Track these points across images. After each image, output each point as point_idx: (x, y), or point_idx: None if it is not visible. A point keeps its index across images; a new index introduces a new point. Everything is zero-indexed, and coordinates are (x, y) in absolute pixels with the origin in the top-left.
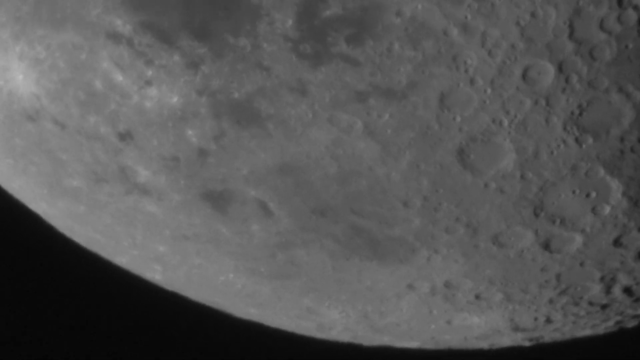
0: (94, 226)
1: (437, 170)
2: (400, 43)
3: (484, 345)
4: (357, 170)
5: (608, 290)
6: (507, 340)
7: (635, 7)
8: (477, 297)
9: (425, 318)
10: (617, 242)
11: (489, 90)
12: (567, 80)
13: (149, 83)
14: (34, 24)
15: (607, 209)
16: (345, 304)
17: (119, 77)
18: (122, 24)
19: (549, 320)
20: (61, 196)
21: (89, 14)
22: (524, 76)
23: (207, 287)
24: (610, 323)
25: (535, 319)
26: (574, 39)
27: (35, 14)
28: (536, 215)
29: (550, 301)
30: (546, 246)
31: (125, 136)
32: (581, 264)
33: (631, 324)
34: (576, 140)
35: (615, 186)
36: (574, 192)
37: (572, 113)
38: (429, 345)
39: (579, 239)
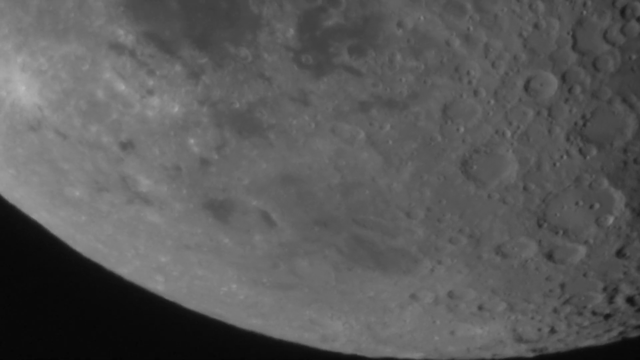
0: (95, 236)
1: (440, 181)
2: (402, 54)
3: (487, 356)
4: (359, 181)
5: (611, 300)
6: (510, 351)
7: (638, 19)
8: (480, 307)
9: (428, 329)
10: (620, 253)
11: (492, 102)
12: (570, 91)
13: (150, 93)
14: (37, 35)
15: (611, 220)
16: (348, 315)
17: (121, 87)
18: (125, 34)
19: (553, 331)
20: (63, 206)
21: (91, 25)
22: (527, 87)
23: (209, 297)
24: (614, 333)
25: (539, 329)
26: (577, 49)
27: (37, 25)
28: (539, 226)
29: (554, 311)
30: (550, 257)
31: (126, 145)
32: (584, 275)
33: (634, 334)
34: (580, 151)
35: (619, 197)
36: (577, 203)
37: (576, 124)
38: (433, 356)
39: (582, 250)
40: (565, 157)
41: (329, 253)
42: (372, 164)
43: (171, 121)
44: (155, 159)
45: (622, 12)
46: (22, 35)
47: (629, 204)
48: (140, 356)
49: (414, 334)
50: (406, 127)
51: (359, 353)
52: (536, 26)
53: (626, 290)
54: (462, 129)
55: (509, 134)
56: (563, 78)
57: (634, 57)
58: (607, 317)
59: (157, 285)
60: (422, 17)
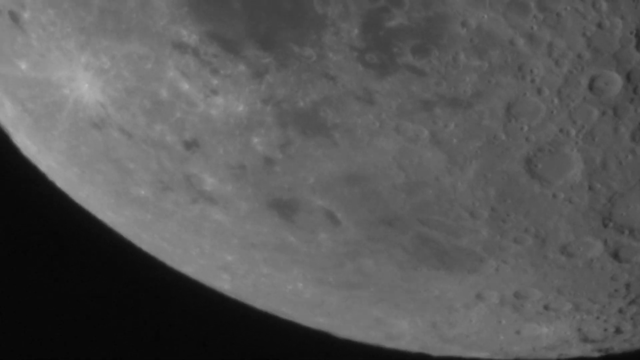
0: (161, 234)
1: (504, 180)
2: (465, 53)
3: (553, 355)
4: (423, 180)
5: None
6: (576, 351)
7: None
8: (546, 307)
9: (494, 328)
10: None
11: (555, 100)
12: (635, 91)
13: (214, 92)
14: (99, 34)
15: None
16: (413, 314)
17: (185, 86)
18: (188, 34)
19: (618, 331)
20: (128, 205)
21: (155, 25)
22: (591, 86)
23: (275, 296)
24: None
25: (605, 329)
26: None
27: (99, 25)
28: (605, 225)
29: (620, 311)
30: (615, 256)
31: (191, 145)
32: None
33: None
34: None
35: None
36: None
37: None
38: (499, 355)
39: None
40: (630, 156)
41: (395, 252)
42: (436, 163)
43: (235, 120)
44: (219, 158)
45: None
46: (85, 34)
47: None
48: (205, 355)
49: (480, 334)
50: (470, 126)
51: (425, 351)
52: (600, 25)
53: None
54: (525, 128)
55: (573, 132)
56: (627, 77)
57: None
58: None
59: (224, 283)
60: (485, 17)
